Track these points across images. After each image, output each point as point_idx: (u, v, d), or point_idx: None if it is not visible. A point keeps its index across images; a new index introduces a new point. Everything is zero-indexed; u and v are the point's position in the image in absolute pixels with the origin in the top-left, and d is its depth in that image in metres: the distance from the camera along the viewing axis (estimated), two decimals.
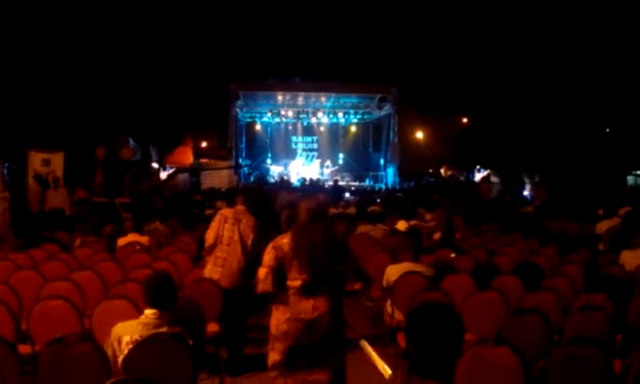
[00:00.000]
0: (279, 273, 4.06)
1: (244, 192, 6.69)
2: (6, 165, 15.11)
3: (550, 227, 10.89)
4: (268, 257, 4.14)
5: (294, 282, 4.04)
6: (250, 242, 6.13)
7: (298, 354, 4.01)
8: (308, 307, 4.00)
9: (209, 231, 6.18)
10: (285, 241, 4.14)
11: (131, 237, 8.38)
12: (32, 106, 18.70)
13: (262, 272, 4.10)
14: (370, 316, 7.42)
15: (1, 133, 16.21)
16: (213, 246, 6.12)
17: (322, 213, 4.28)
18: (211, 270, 6.07)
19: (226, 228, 6.10)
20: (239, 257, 6.07)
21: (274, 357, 4.10)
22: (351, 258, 4.40)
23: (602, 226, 10.01)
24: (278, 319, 4.10)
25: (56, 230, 10.05)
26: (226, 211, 6.34)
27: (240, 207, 6.28)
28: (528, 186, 19.83)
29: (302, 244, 4.06)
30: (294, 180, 26.15)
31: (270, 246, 4.19)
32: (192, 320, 5.32)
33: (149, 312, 3.88)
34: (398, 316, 5.97)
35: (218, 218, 6.22)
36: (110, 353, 3.79)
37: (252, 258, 6.05)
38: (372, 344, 4.08)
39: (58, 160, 15.37)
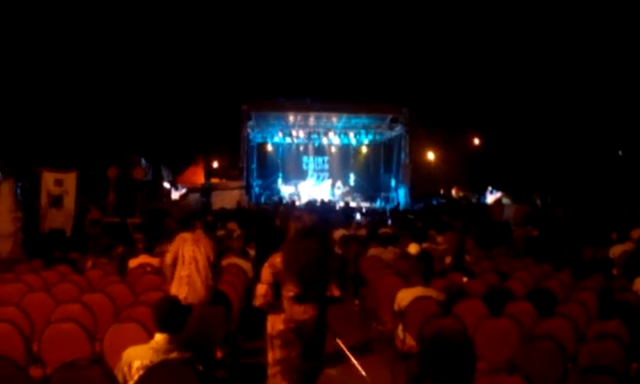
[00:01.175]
0: (276, 286, 4.87)
1: (202, 220, 6.80)
2: (19, 184, 15.20)
3: (563, 250, 10.78)
4: (265, 274, 4.93)
5: (288, 292, 4.82)
6: (212, 260, 6.24)
7: (292, 349, 4.81)
8: (300, 311, 4.80)
9: (168, 253, 6.32)
10: (278, 259, 4.91)
11: (142, 258, 8.41)
12: (45, 126, 18.88)
13: (262, 288, 4.93)
14: (381, 340, 7.37)
15: (14, 153, 16.35)
16: (172, 266, 6.19)
17: (308, 231, 4.97)
18: (177, 289, 6.08)
19: (185, 249, 6.19)
20: (204, 273, 6.15)
21: (274, 354, 4.87)
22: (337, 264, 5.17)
23: (616, 250, 9.91)
24: (274, 321, 4.88)
25: (56, 251, 10.09)
26: (185, 234, 6.38)
27: (199, 231, 6.40)
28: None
29: (291, 259, 4.83)
30: (305, 200, 26.15)
31: (267, 264, 4.97)
32: (202, 344, 5.32)
33: (159, 337, 3.88)
34: (410, 341, 5.92)
35: (176, 240, 6.33)
36: (120, 377, 3.78)
37: (217, 276, 6.37)
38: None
39: (70, 180, 15.40)
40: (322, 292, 4.98)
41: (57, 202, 13.40)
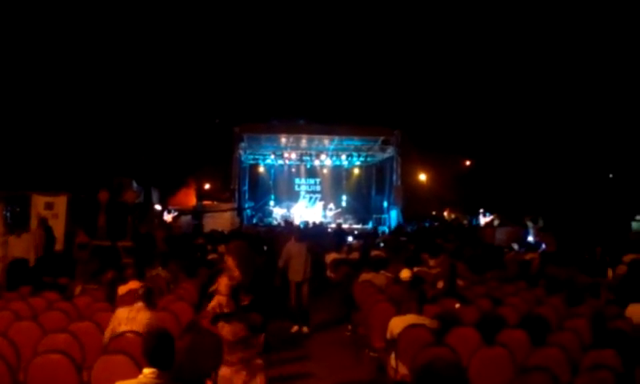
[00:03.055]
0: (235, 297, 5.31)
1: (146, 289, 6.35)
2: (9, 208, 15.07)
3: (555, 275, 10.76)
4: (225, 287, 5.33)
5: (243, 303, 5.37)
6: None
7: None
8: (254, 318, 5.39)
9: (106, 330, 5.87)
10: (236, 273, 5.45)
11: (132, 284, 8.28)
12: (35, 149, 18.77)
13: (223, 299, 5.30)
14: (374, 368, 7.30)
15: (4, 176, 16.22)
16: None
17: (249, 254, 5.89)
18: None
19: (121, 328, 5.78)
20: None
21: (235, 355, 5.24)
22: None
23: (608, 274, 9.91)
24: (234, 328, 5.29)
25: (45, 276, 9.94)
26: (121, 312, 5.97)
27: (139, 304, 6.00)
28: (532, 231, 19.64)
29: (246, 271, 5.47)
30: (297, 222, 26.05)
31: (226, 278, 5.40)
32: (193, 375, 5.23)
33: (147, 371, 3.79)
34: (402, 370, 5.86)
35: (113, 322, 5.90)
36: None
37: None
38: None
39: (61, 203, 15.32)
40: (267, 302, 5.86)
41: (17, 227, 12.37)
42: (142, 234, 16.62)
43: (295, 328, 10.51)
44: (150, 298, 6.20)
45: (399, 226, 24.36)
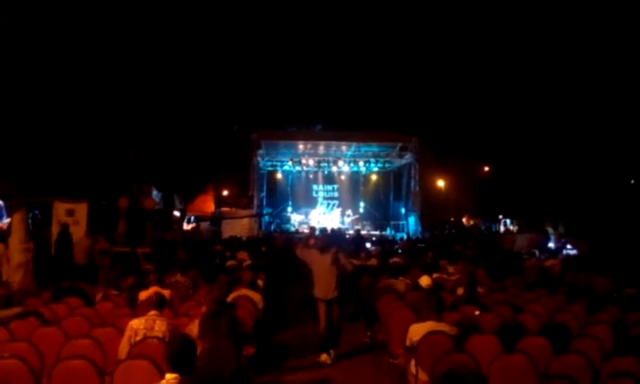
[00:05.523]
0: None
1: (157, 297, 6.34)
2: (30, 214, 15.25)
3: (575, 281, 10.67)
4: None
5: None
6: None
7: None
8: None
9: (121, 346, 5.83)
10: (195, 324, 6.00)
11: (153, 290, 8.35)
12: (57, 157, 18.99)
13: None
14: (393, 375, 7.28)
15: (26, 182, 16.42)
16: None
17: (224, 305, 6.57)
18: None
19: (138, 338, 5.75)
20: None
21: None
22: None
23: None
24: None
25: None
26: (135, 323, 5.93)
27: (152, 313, 6.03)
28: (553, 238, 19.43)
29: (207, 334, 5.75)
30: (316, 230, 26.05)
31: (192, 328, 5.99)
32: (211, 381, 5.27)
33: (170, 376, 3.83)
34: (423, 377, 5.84)
35: (127, 332, 5.86)
36: None
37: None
38: None
39: (82, 210, 15.50)
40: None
41: None
42: (162, 241, 16.74)
43: (324, 357, 8.76)
44: (162, 306, 6.29)
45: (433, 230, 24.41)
